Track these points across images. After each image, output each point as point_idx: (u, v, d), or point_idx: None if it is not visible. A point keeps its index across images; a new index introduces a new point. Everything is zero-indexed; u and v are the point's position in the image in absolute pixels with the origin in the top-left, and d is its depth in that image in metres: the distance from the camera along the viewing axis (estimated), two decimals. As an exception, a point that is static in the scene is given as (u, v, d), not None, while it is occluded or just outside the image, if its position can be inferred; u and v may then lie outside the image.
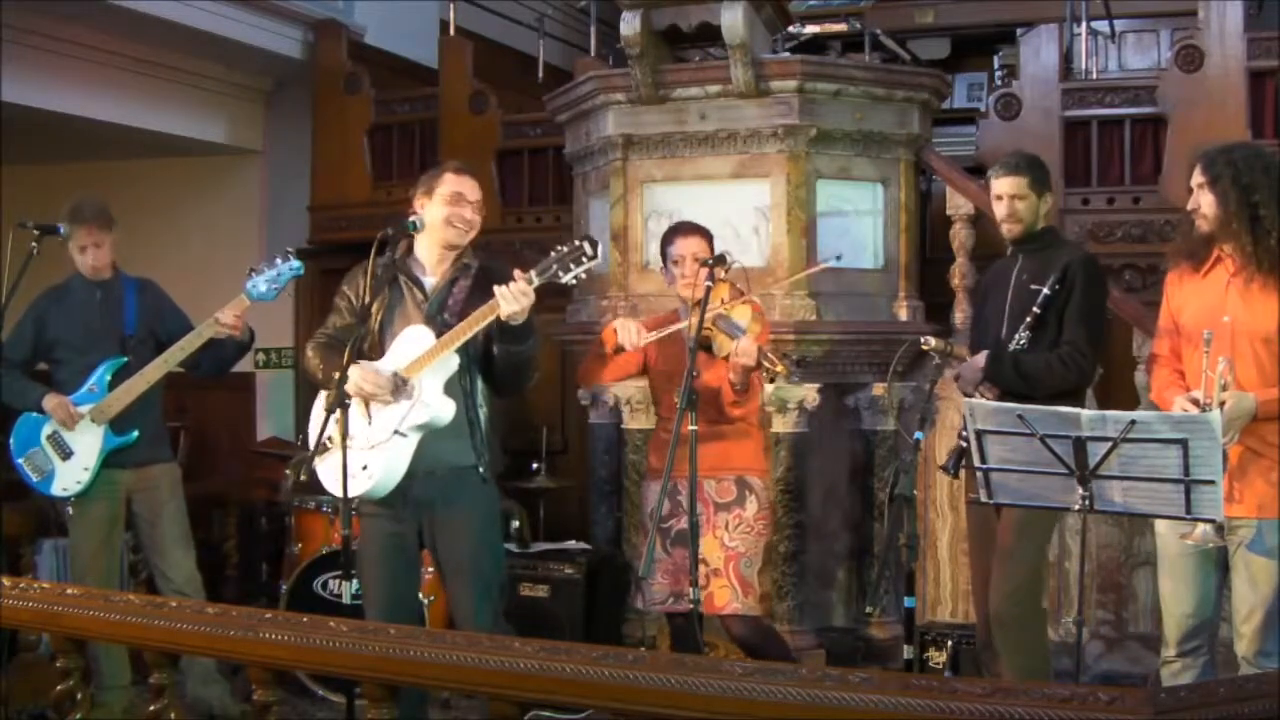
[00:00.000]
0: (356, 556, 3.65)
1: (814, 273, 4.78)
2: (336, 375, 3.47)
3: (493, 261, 3.77)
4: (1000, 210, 3.95)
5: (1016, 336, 3.80)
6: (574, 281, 3.50)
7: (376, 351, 3.63)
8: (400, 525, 3.66)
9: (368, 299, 3.60)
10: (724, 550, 4.01)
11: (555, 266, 3.45)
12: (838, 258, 4.68)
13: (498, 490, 3.80)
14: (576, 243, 3.46)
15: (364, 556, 3.70)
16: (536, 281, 3.43)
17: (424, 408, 3.49)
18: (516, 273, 3.44)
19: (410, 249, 3.74)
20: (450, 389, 3.57)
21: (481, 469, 3.65)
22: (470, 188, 3.70)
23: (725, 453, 4.02)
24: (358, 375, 3.51)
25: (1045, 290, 3.77)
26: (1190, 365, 3.48)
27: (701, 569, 3.94)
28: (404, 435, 3.51)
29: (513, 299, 3.39)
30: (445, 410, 3.53)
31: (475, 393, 3.66)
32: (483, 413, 3.67)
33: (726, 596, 4.00)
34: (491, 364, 3.63)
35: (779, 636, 4.43)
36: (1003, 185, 3.93)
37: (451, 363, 3.55)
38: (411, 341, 3.58)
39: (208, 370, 4.61)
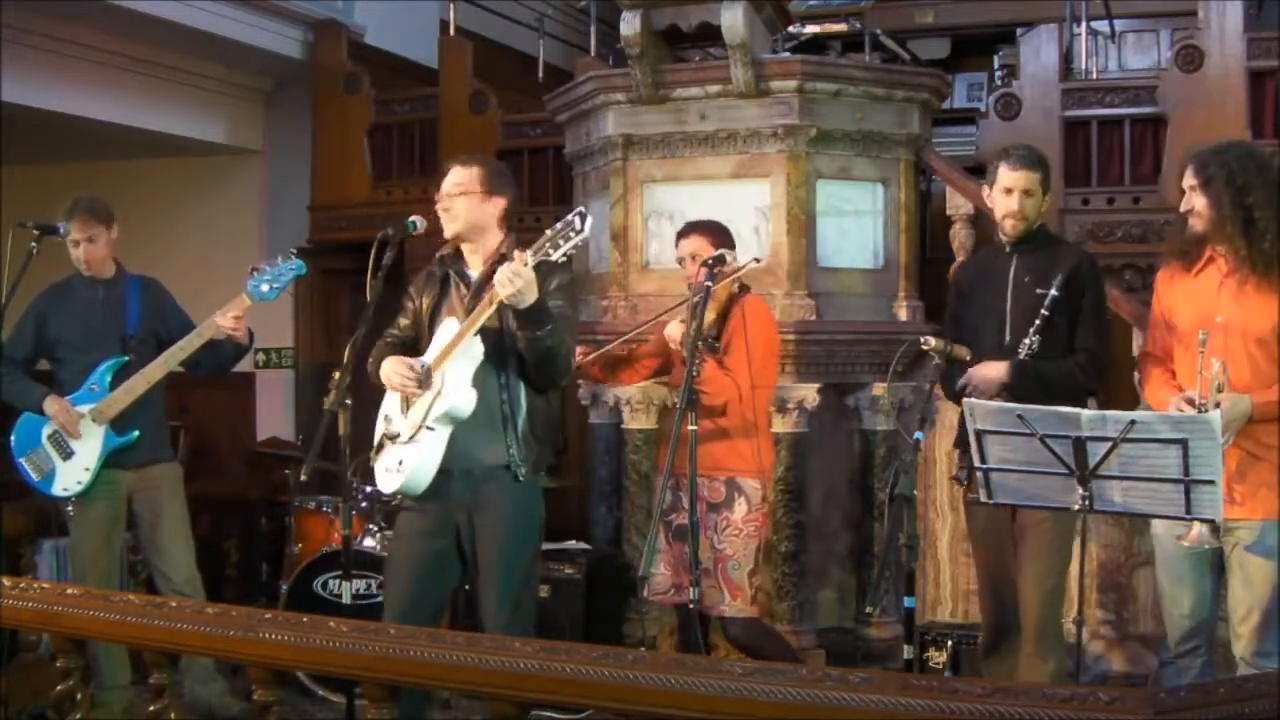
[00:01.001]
0: (389, 553, 3.66)
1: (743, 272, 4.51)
2: (336, 375, 3.48)
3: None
4: (1008, 204, 3.77)
5: (1027, 341, 3.64)
6: (566, 257, 3.47)
7: (427, 347, 3.66)
8: (434, 527, 3.63)
9: (369, 296, 3.62)
10: (713, 552, 4.04)
11: (547, 245, 3.43)
12: (756, 260, 4.47)
13: (539, 491, 3.76)
14: (568, 217, 3.44)
15: (393, 559, 3.71)
16: (531, 261, 3.41)
17: (445, 398, 3.48)
18: (516, 253, 3.44)
19: (459, 248, 3.76)
20: (486, 385, 3.55)
21: (515, 468, 3.62)
22: (449, 177, 3.69)
23: (717, 453, 4.03)
24: (389, 366, 3.57)
25: (1053, 292, 3.64)
26: (1183, 365, 3.48)
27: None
28: (432, 429, 3.51)
29: (507, 280, 3.37)
30: (467, 400, 3.50)
31: (513, 389, 3.62)
32: (520, 409, 3.63)
33: (715, 598, 4.04)
34: (523, 357, 3.61)
35: (778, 636, 4.44)
36: (1017, 179, 3.76)
37: (474, 352, 3.53)
38: (443, 335, 3.59)
39: (206, 371, 4.61)
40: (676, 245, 4.29)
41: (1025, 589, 3.73)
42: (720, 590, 4.03)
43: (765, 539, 4.26)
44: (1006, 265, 3.82)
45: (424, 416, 3.50)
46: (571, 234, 3.41)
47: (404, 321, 3.78)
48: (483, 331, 3.51)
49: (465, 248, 3.72)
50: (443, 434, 3.51)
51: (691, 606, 3.84)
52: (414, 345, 3.70)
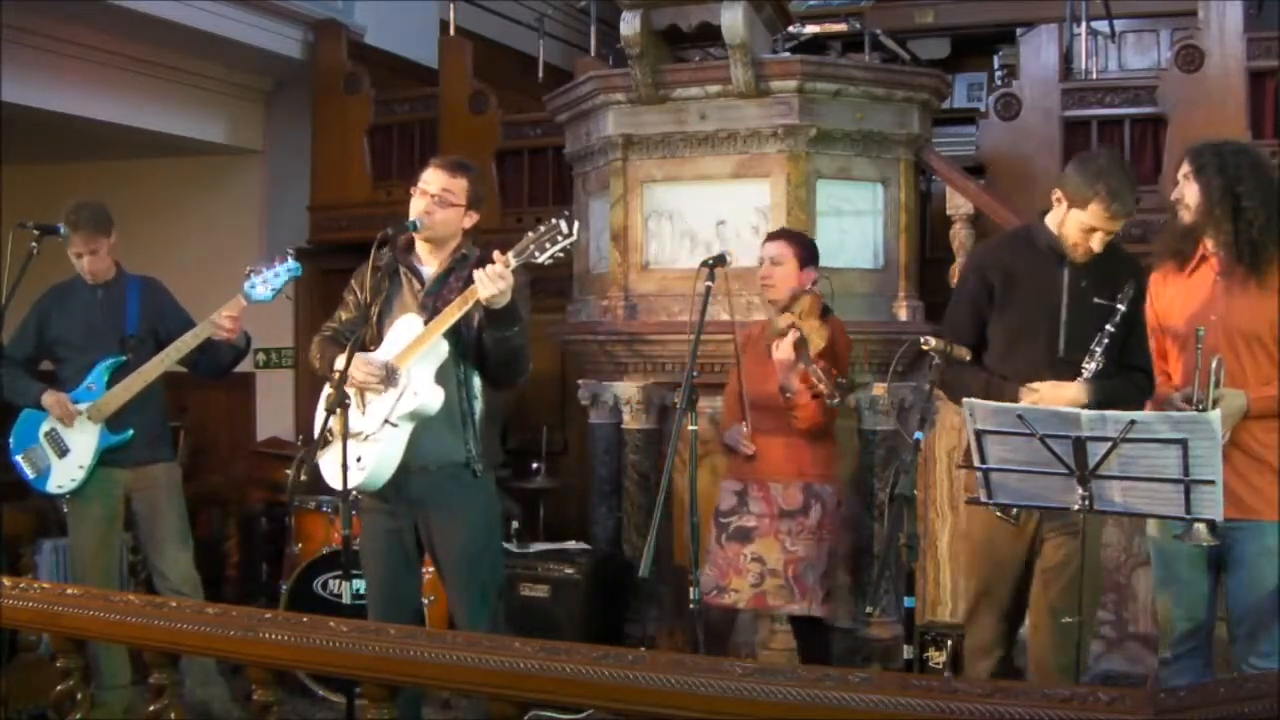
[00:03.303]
0: (359, 552, 3.67)
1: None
2: (336, 374, 3.47)
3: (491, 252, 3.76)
4: (1087, 240, 3.42)
5: (1093, 360, 3.37)
6: (551, 261, 3.47)
7: (375, 343, 3.64)
8: (397, 521, 3.67)
9: (367, 298, 3.62)
10: (784, 554, 4.10)
11: (532, 247, 3.44)
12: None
13: (494, 486, 3.79)
14: (553, 221, 3.44)
15: (365, 552, 3.72)
16: (514, 263, 3.42)
17: (412, 396, 3.49)
18: (495, 254, 3.44)
19: (411, 243, 3.75)
20: (444, 381, 3.55)
21: (473, 465, 3.64)
22: (434, 178, 3.66)
23: (793, 459, 4.11)
24: (351, 365, 3.51)
25: (1122, 307, 3.36)
26: (1178, 364, 3.48)
27: (757, 567, 4.10)
28: (394, 425, 3.50)
29: (490, 281, 3.38)
30: (434, 398, 3.51)
31: (469, 385, 3.64)
32: (477, 406, 3.65)
33: (783, 597, 4.12)
34: (484, 355, 3.61)
35: (829, 637, 4.47)
36: (1118, 224, 3.42)
37: (440, 350, 3.54)
38: (403, 330, 3.58)
39: (204, 373, 4.62)
40: (761, 248, 4.35)
41: (1044, 629, 3.51)
42: (789, 590, 4.10)
43: (832, 544, 4.25)
44: (1057, 268, 3.49)
45: (388, 413, 3.50)
46: (559, 238, 3.41)
47: (345, 315, 3.76)
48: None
49: (423, 245, 3.72)
50: (405, 431, 3.52)
51: (692, 606, 3.84)
52: (353, 344, 3.61)
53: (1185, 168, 3.46)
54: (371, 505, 3.68)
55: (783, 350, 4.00)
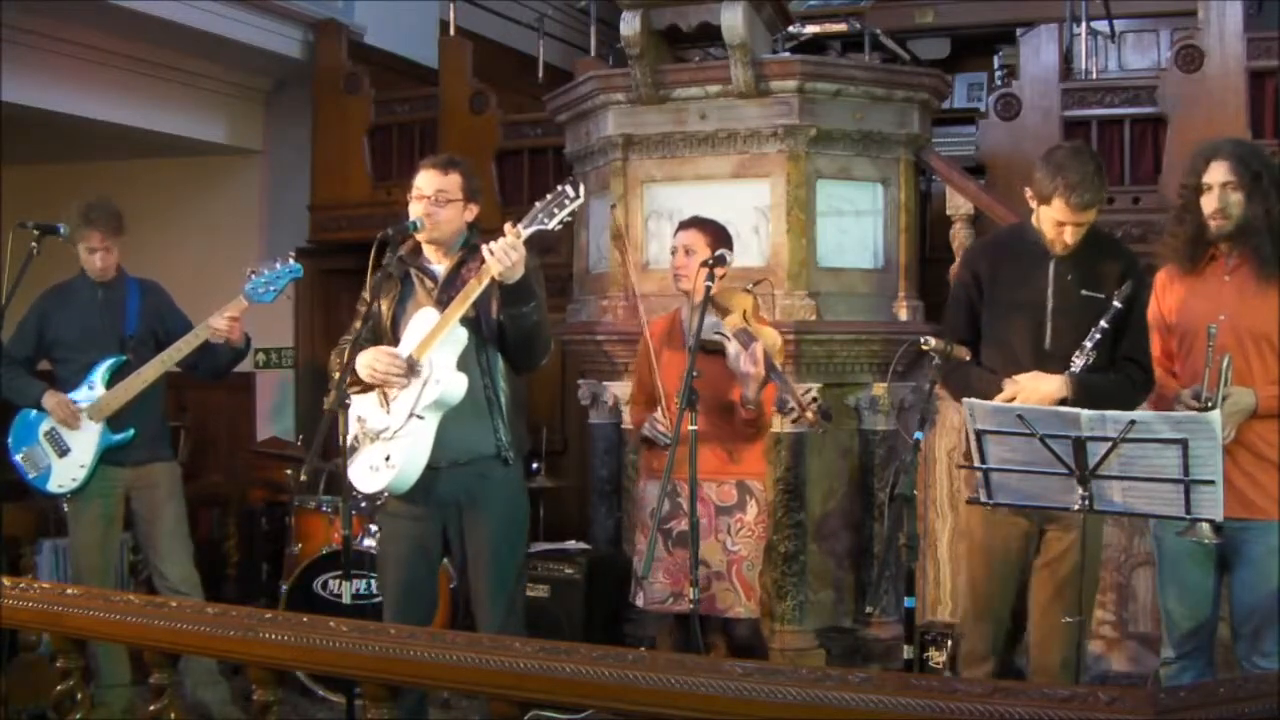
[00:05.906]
0: (378, 555, 3.66)
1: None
2: (335, 376, 3.47)
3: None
4: (1059, 234, 3.41)
5: (1084, 357, 3.33)
6: (560, 226, 3.48)
7: (390, 345, 3.63)
8: (423, 526, 3.65)
9: (368, 298, 3.62)
10: (726, 554, 4.02)
11: (541, 215, 3.45)
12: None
13: (522, 475, 3.78)
14: (559, 188, 3.45)
15: (384, 555, 3.71)
16: (524, 233, 3.42)
17: (435, 384, 3.47)
18: (506, 226, 3.43)
19: (418, 246, 3.75)
20: (468, 368, 3.54)
21: (504, 454, 3.63)
22: (427, 181, 3.67)
23: (728, 457, 4.03)
24: (370, 357, 3.51)
25: (1116, 304, 3.32)
26: (1186, 363, 3.47)
27: (702, 570, 3.97)
28: (421, 418, 3.48)
29: (501, 254, 3.38)
30: (457, 385, 3.49)
31: (494, 373, 3.63)
32: (503, 393, 3.64)
33: (730, 600, 4.02)
34: (504, 337, 3.60)
35: (763, 637, 4.43)
36: (1085, 216, 3.38)
37: (459, 336, 3.52)
38: (420, 324, 3.57)
39: (204, 374, 4.63)
40: (674, 237, 4.25)
41: (1048, 629, 3.49)
42: (735, 592, 4.01)
43: (766, 540, 4.25)
44: (1043, 261, 3.48)
45: (413, 406, 3.48)
46: (566, 201, 3.42)
47: (359, 324, 3.73)
48: (461, 318, 3.51)
49: (429, 246, 3.71)
50: (431, 423, 3.50)
51: (691, 606, 3.83)
52: (352, 346, 3.61)
53: (1228, 175, 3.36)
54: (396, 509, 3.66)
55: (752, 364, 3.81)
